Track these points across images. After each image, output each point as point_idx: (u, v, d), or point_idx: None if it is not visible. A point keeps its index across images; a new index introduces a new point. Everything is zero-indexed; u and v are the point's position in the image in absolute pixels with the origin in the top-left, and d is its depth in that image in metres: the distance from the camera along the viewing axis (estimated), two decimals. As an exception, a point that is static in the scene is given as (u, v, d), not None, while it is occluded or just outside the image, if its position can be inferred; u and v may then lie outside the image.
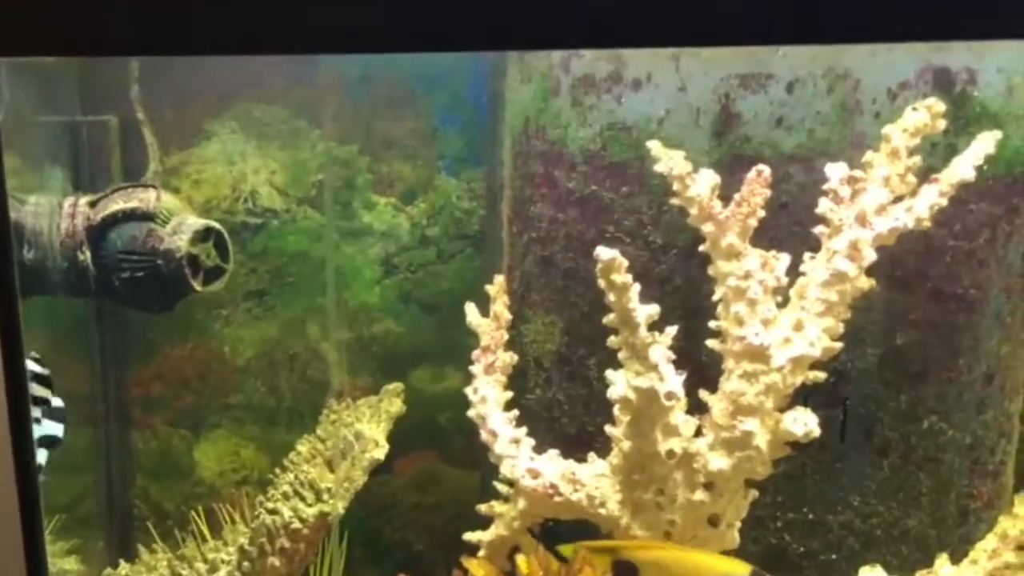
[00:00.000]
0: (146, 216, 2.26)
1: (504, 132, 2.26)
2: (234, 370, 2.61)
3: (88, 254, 2.25)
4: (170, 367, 2.60)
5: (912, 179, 1.71)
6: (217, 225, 2.33)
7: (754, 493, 1.79)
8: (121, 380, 2.62)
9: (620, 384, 1.72)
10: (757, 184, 1.69)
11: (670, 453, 1.72)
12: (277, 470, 2.36)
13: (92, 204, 2.30)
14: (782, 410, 1.71)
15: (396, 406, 2.36)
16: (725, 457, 1.71)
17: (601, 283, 1.67)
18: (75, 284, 2.29)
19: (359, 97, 2.50)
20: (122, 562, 2.31)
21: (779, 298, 1.71)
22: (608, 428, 1.81)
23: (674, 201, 1.74)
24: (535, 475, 1.86)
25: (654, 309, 1.68)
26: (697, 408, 1.75)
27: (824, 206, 1.70)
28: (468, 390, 2.00)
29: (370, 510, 2.60)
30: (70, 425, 2.50)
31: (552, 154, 2.04)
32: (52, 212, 2.26)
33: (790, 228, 1.84)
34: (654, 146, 1.72)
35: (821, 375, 1.72)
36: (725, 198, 1.71)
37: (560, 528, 1.93)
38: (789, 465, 1.86)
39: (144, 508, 2.64)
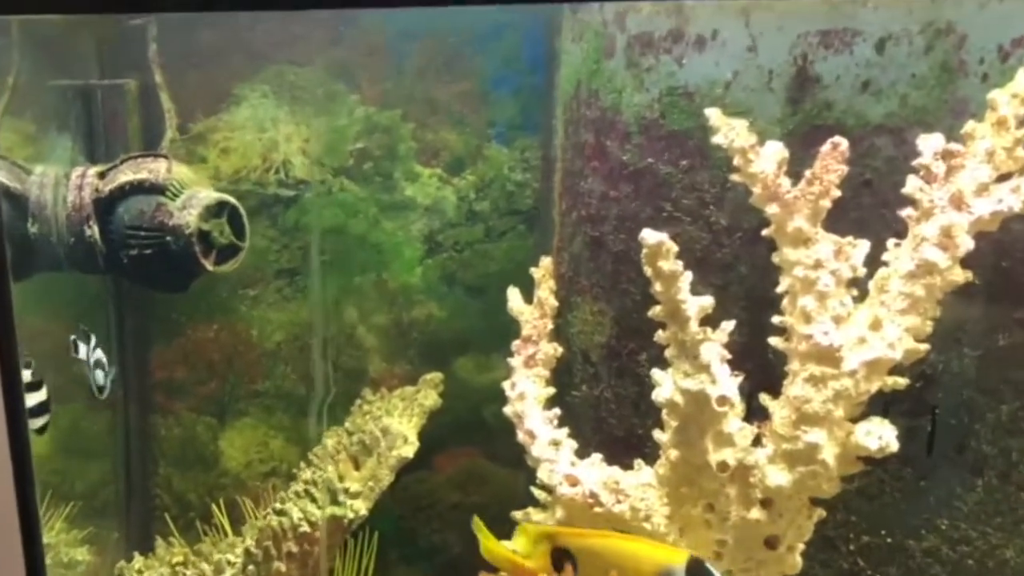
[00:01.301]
0: (155, 188, 2.22)
1: (558, 98, 2.17)
2: (262, 354, 2.57)
3: (96, 229, 2.22)
4: (194, 350, 2.57)
5: (1022, 154, 1.56)
6: (231, 199, 2.28)
7: (820, 513, 1.68)
8: (141, 363, 2.60)
9: (667, 386, 1.63)
10: (832, 159, 1.57)
11: (722, 465, 1.62)
12: (302, 464, 2.33)
13: (101, 175, 2.28)
14: (855, 420, 1.58)
15: (431, 399, 2.30)
16: (786, 472, 1.60)
17: (647, 270, 1.57)
18: (83, 261, 2.27)
19: (403, 57, 2.43)
20: (136, 555, 2.30)
21: (855, 292, 1.58)
22: (656, 433, 1.72)
23: (735, 178, 1.62)
24: (574, 482, 1.79)
25: (707, 301, 1.58)
26: (758, 414, 1.64)
27: (912, 185, 1.56)
28: (505, 385, 1.95)
29: (406, 509, 2.55)
30: (89, 407, 2.54)
31: (604, 122, 1.95)
32: (59, 183, 2.24)
33: (875, 210, 1.71)
34: (712, 114, 1.62)
35: (903, 381, 1.59)
36: (797, 175, 1.59)
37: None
38: (865, 481, 1.74)
39: (165, 498, 2.63)
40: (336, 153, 2.45)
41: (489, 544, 1.66)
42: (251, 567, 1.87)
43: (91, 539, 2.42)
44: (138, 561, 2.27)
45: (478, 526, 1.66)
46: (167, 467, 2.62)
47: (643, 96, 1.87)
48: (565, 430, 1.87)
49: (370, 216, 2.47)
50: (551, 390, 1.93)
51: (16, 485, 1.76)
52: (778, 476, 1.60)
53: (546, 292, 1.99)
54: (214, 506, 2.43)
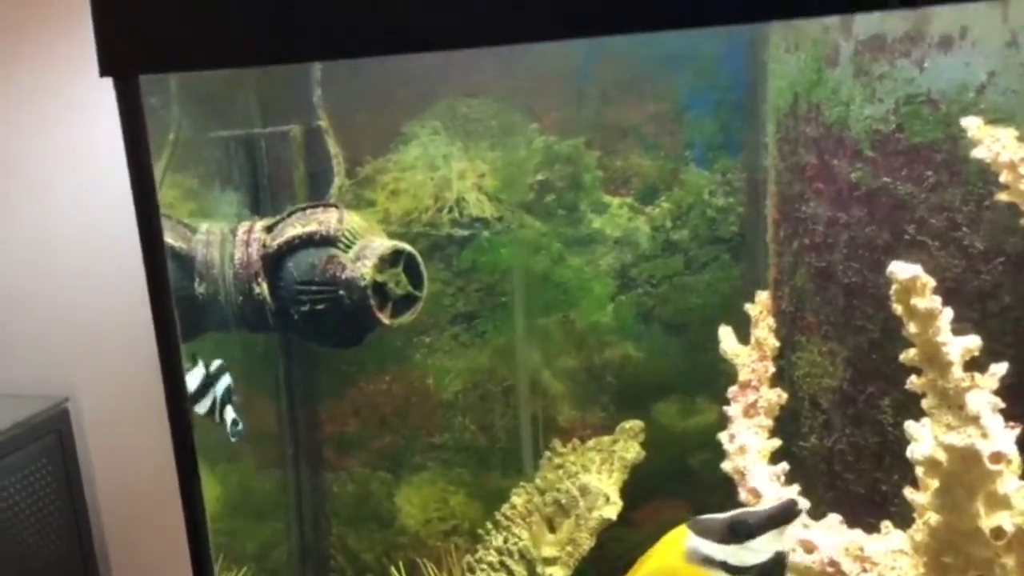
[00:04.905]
0: (326, 240, 2.21)
1: (767, 113, 2.07)
2: (439, 405, 2.53)
3: (264, 286, 2.23)
4: (366, 402, 2.55)
5: None
6: (407, 247, 2.26)
7: (1117, 585, 1.52)
8: (312, 417, 2.60)
9: (926, 441, 1.49)
10: (1123, 170, 1.42)
11: (998, 532, 1.48)
12: (488, 524, 2.27)
13: (268, 229, 2.29)
14: None
15: (633, 451, 2.22)
16: (1078, 539, 1.45)
17: (897, 308, 1.45)
18: (252, 320, 2.28)
19: (585, 80, 2.35)
20: (316, 625, 2.27)
21: None
22: (908, 492, 1.59)
23: (1001, 196, 1.49)
24: (810, 548, 1.67)
25: (973, 342, 1.45)
26: (1028, 468, 1.50)
27: None
28: (722, 436, 1.86)
29: (602, 571, 2.44)
30: (258, 467, 2.56)
31: (830, 139, 1.83)
32: (224, 240, 2.26)
33: None
34: (972, 124, 1.50)
35: None
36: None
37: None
38: None
39: (340, 559, 2.61)
40: (515, 187, 2.40)
41: None
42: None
43: (267, 606, 2.42)
44: (318, 633, 2.24)
45: None
46: (341, 526, 2.61)
47: (876, 107, 1.74)
48: (795, 487, 1.76)
49: (553, 252, 2.40)
50: (776, 442, 1.83)
51: (191, 546, 1.74)
52: (1067, 544, 1.45)
53: (765, 331, 1.89)
54: (393, 569, 2.39)
